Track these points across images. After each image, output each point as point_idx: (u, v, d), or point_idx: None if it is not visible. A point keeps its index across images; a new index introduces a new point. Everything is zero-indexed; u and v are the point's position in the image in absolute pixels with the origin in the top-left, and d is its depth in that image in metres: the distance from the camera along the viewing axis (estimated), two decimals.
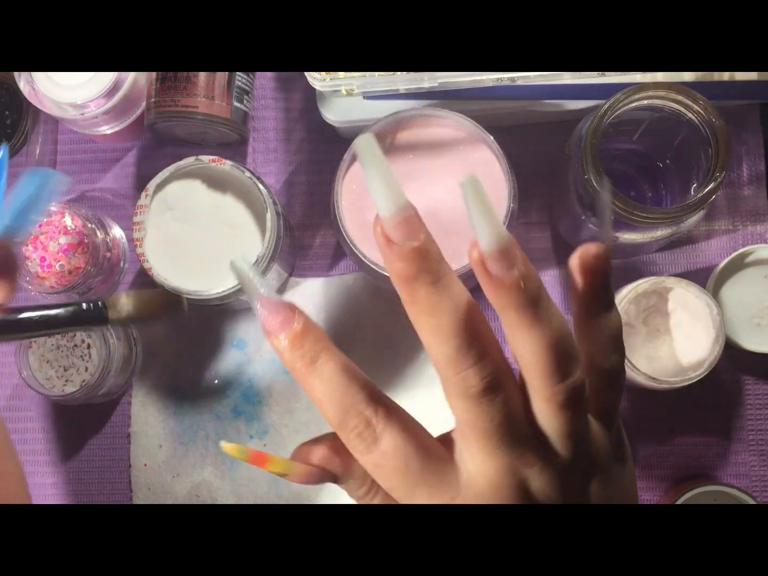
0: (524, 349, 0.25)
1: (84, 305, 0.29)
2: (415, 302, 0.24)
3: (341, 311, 0.56)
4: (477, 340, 0.24)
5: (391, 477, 0.26)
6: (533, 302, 0.24)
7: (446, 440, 0.27)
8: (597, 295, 0.27)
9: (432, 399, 0.53)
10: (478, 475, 0.26)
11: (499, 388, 0.25)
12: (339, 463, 0.27)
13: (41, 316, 0.30)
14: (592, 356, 0.27)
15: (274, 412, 0.57)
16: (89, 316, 0.29)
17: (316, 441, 0.28)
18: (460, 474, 0.26)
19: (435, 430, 0.28)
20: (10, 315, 0.30)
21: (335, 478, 0.27)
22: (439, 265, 0.24)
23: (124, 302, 0.29)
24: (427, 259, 0.24)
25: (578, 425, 0.26)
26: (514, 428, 0.25)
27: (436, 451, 0.26)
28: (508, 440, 0.25)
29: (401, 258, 0.24)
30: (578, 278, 0.27)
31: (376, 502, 0.28)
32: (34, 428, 0.58)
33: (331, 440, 0.28)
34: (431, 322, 0.24)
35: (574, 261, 0.26)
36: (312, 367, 0.26)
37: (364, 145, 0.23)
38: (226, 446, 0.26)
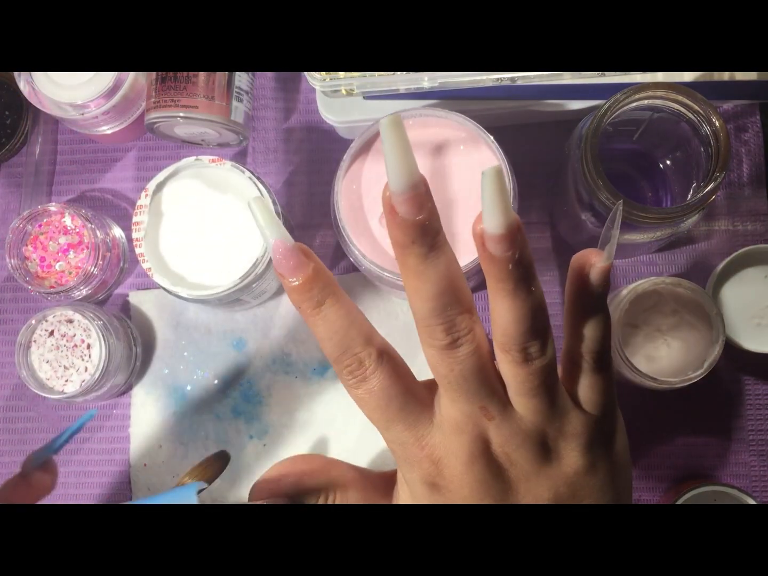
0: (496, 312, 0.26)
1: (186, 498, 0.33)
2: (405, 266, 0.26)
3: None
4: (452, 307, 0.26)
5: (372, 411, 0.28)
6: (517, 279, 0.25)
7: (432, 386, 0.29)
8: (585, 300, 0.28)
9: None
10: (446, 419, 0.28)
11: (463, 344, 0.27)
12: (286, 488, 0.31)
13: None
14: (573, 349, 0.28)
15: (274, 412, 0.57)
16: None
17: (263, 483, 0.32)
18: (435, 416, 0.28)
19: None
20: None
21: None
22: (433, 239, 0.26)
23: (201, 476, 0.32)
24: (423, 232, 0.25)
25: (536, 384, 0.27)
26: (476, 380, 0.27)
27: (418, 395, 0.29)
28: (468, 389, 0.27)
29: (400, 228, 0.25)
30: (570, 278, 0.28)
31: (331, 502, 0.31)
32: (34, 428, 0.58)
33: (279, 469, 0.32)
34: (414, 283, 0.26)
35: (573, 262, 0.27)
36: (317, 310, 0.28)
37: (391, 120, 0.24)
38: None
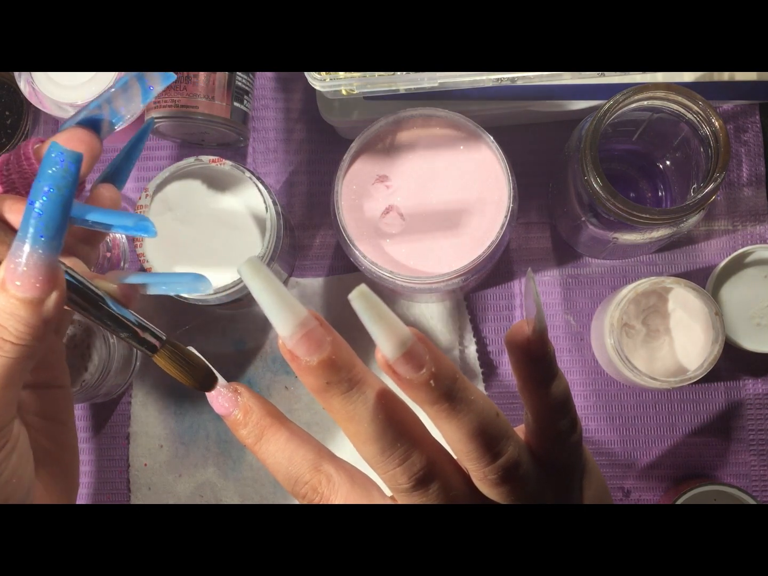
0: (449, 438, 0.25)
1: (145, 335, 0.31)
2: (332, 411, 0.25)
3: (341, 311, 0.56)
4: (400, 437, 0.25)
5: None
6: (447, 396, 0.24)
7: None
8: (533, 372, 0.26)
9: None
10: None
11: (430, 479, 0.25)
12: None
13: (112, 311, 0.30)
14: (539, 422, 0.27)
15: None
16: (144, 341, 0.31)
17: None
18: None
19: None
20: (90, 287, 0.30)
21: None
22: (349, 372, 0.24)
23: (172, 353, 0.31)
24: (335, 370, 0.24)
25: (517, 495, 0.26)
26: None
27: (382, 496, 0.28)
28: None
29: (308, 373, 0.24)
30: (512, 356, 0.26)
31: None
32: None
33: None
34: (351, 428, 0.25)
35: (508, 339, 0.26)
36: (258, 444, 0.28)
37: (250, 267, 0.23)
38: None
